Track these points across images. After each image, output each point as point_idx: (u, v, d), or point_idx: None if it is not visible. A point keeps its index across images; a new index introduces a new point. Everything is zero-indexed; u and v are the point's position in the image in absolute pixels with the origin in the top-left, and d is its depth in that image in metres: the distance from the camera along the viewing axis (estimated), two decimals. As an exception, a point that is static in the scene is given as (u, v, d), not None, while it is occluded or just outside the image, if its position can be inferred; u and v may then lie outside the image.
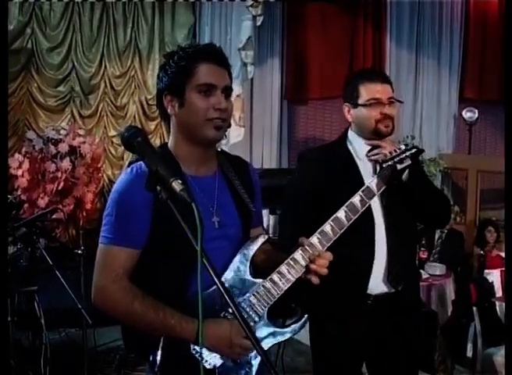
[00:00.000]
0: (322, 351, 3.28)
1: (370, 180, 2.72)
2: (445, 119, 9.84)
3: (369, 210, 3.00)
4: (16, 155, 7.09)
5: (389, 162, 2.77)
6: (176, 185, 1.79)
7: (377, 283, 3.07)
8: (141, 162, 2.15)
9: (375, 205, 3.05)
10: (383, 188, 2.72)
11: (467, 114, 9.55)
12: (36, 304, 4.77)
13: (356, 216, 2.52)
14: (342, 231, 2.44)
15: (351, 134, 3.26)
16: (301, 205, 3.21)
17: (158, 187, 1.84)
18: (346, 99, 3.27)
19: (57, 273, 4.56)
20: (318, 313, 3.16)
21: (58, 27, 7.96)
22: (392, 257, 3.07)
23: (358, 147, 3.19)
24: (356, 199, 2.57)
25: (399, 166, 2.79)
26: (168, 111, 2.30)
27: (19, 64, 7.77)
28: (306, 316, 2.40)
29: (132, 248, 2.20)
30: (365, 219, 2.85)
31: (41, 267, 4.84)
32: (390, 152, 2.82)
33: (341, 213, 2.49)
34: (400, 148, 2.82)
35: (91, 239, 6.78)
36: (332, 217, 2.46)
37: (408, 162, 2.80)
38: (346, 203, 2.53)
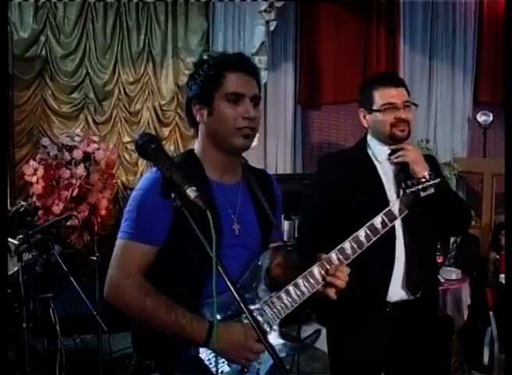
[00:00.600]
0: (340, 359, 3.26)
1: (392, 204, 2.70)
2: (459, 122, 9.79)
3: None
4: (31, 162, 7.14)
5: (413, 189, 2.76)
6: (191, 192, 1.79)
7: (396, 291, 3.06)
8: None
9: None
10: (405, 213, 2.71)
11: (481, 117, 9.50)
12: (51, 310, 4.77)
13: (375, 238, 2.51)
14: (360, 251, 2.44)
15: (370, 139, 3.24)
16: (320, 210, 3.21)
17: (173, 195, 1.84)
18: (361, 105, 3.26)
19: (72, 279, 4.57)
20: (336, 322, 3.15)
21: (72, 34, 7.98)
22: (411, 264, 3.05)
23: (378, 151, 3.18)
24: (377, 221, 2.57)
25: (422, 194, 2.78)
26: (197, 119, 2.33)
27: (33, 71, 7.79)
28: (319, 330, 2.40)
29: (149, 245, 2.22)
30: None
31: (56, 274, 4.85)
32: (418, 179, 2.81)
33: (361, 233, 2.49)
34: (424, 177, 2.81)
35: (106, 245, 6.79)
36: (353, 236, 2.46)
37: (431, 190, 2.79)
38: (367, 224, 2.53)
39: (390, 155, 3.12)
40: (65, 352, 4.78)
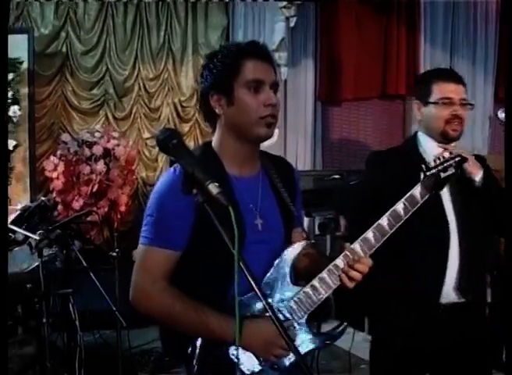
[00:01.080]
0: (385, 363, 3.21)
1: (414, 188, 2.66)
2: (480, 119, 9.71)
3: (444, 218, 2.99)
4: (51, 158, 7.18)
5: (433, 171, 2.71)
6: (213, 188, 1.77)
7: (448, 293, 3.01)
8: None
9: (450, 216, 3.04)
10: (427, 196, 2.66)
11: (502, 114, 9.43)
12: (71, 306, 4.78)
13: (398, 224, 2.47)
14: (384, 239, 2.40)
15: (421, 135, 3.20)
16: (368, 208, 3.16)
17: (195, 190, 1.83)
18: (416, 96, 3.22)
19: (92, 275, 4.58)
20: (386, 325, 3.12)
21: (92, 31, 8.02)
22: (464, 266, 3.00)
23: (428, 149, 3.12)
24: (399, 207, 2.51)
25: (442, 175, 2.74)
26: (217, 111, 2.27)
27: (53, 68, 7.84)
28: (345, 323, 2.37)
29: (172, 250, 2.18)
30: (440, 226, 2.83)
31: (76, 269, 4.86)
32: (434, 161, 2.76)
33: (384, 220, 2.44)
34: (443, 156, 2.77)
35: (126, 241, 6.81)
36: (375, 224, 2.42)
37: (452, 170, 2.74)
38: (390, 210, 2.49)
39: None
40: (85, 347, 4.78)
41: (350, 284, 2.24)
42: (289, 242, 2.40)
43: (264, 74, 2.24)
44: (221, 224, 1.78)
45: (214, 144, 2.35)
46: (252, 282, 1.77)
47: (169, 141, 1.93)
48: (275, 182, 2.39)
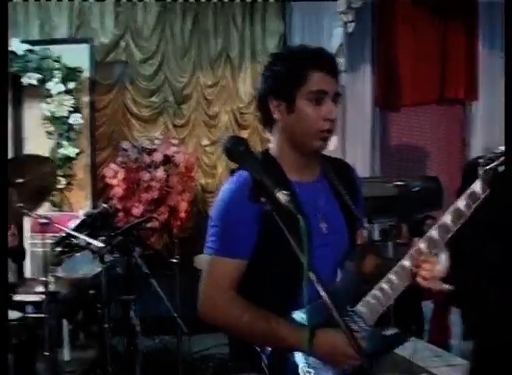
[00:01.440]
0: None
1: (474, 184, 2.61)
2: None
3: None
4: (112, 165, 7.26)
5: (491, 165, 2.67)
6: (282, 196, 1.75)
7: None
8: None
9: None
10: (487, 192, 2.61)
11: None
12: (132, 311, 4.83)
13: (461, 221, 2.43)
14: (448, 236, 2.36)
15: None
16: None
17: (263, 199, 1.82)
18: None
19: (153, 281, 4.62)
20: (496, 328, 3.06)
21: (150, 39, 8.12)
22: None
23: None
24: (461, 204, 2.47)
25: (500, 169, 2.69)
26: (275, 116, 2.25)
27: (114, 76, 7.95)
28: (405, 332, 2.33)
29: (238, 259, 2.17)
30: None
31: (137, 275, 4.91)
32: (495, 154, 2.71)
33: (447, 218, 2.40)
34: (500, 150, 2.71)
35: (185, 247, 6.86)
36: (439, 223, 2.37)
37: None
38: (452, 208, 2.44)
39: None
40: (145, 353, 4.82)
41: (425, 283, 2.19)
42: (353, 244, 2.38)
43: (329, 86, 2.21)
44: (290, 233, 1.76)
45: (272, 150, 2.34)
46: (322, 292, 1.75)
47: (237, 148, 1.92)
48: (336, 185, 2.36)
